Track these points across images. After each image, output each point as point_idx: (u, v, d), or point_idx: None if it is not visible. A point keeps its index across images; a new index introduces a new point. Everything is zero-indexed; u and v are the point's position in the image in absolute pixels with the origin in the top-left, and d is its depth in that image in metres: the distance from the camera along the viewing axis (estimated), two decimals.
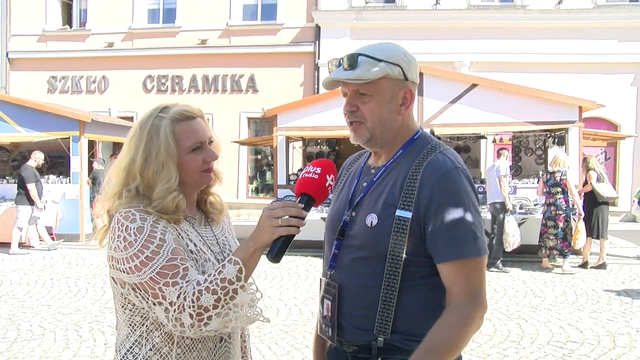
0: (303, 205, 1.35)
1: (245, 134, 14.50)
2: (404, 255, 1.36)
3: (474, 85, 8.94)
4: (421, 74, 8.97)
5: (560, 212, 7.46)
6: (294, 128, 9.54)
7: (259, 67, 14.32)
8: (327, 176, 1.39)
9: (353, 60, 1.41)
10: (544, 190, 7.65)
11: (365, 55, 1.41)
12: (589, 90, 12.02)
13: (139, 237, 1.34)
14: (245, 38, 14.53)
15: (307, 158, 11.43)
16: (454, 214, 1.34)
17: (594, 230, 7.66)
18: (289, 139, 10.08)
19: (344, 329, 1.45)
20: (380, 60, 1.40)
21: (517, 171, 10.54)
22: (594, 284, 6.76)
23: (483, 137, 11.09)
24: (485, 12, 13.69)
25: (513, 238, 7.47)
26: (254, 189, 14.26)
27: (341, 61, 1.43)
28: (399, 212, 1.36)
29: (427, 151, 1.43)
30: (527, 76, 12.29)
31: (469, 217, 1.35)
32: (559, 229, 7.46)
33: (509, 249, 7.55)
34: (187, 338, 1.40)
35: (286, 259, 8.17)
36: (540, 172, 8.95)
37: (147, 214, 1.38)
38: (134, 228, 1.35)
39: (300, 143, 11.48)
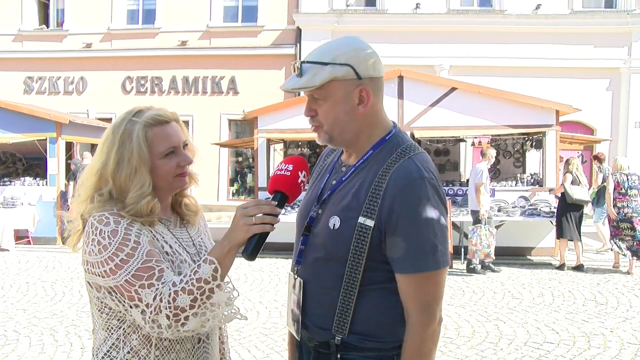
0: (276, 203, 1.36)
1: (225, 135, 14.43)
2: (364, 262, 1.37)
3: (453, 89, 9.04)
4: (401, 77, 9.05)
5: (636, 214, 7.58)
6: (275, 130, 9.53)
7: (239, 69, 14.27)
8: (299, 173, 1.39)
9: (300, 68, 1.39)
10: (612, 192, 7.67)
11: (311, 61, 1.38)
12: (565, 94, 12.25)
13: (113, 240, 1.33)
14: (226, 40, 14.46)
15: (289, 156, 11.43)
16: (415, 225, 1.34)
17: (565, 231, 7.77)
18: (269, 141, 10.05)
19: (306, 325, 1.47)
20: (326, 64, 1.37)
21: (496, 174, 10.67)
22: (571, 285, 6.88)
23: (462, 140, 11.21)
24: (465, 17, 13.86)
25: (475, 247, 7.51)
26: (234, 191, 14.20)
27: (294, 67, 1.42)
28: (361, 220, 1.36)
29: (397, 155, 1.41)
30: (506, 80, 12.47)
31: (429, 229, 1.34)
32: (636, 231, 7.55)
33: (474, 259, 7.56)
34: (165, 340, 1.39)
35: (266, 261, 8.15)
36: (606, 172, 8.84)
37: (121, 217, 1.37)
38: (107, 231, 1.34)
39: (281, 145, 11.46)
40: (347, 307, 1.39)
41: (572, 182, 7.81)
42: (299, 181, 1.40)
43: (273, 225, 1.33)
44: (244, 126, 14.50)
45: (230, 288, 1.35)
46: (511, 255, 8.62)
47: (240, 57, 14.27)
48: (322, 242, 1.43)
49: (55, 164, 9.92)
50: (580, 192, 7.73)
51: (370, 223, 1.35)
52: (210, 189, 14.06)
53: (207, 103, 14.43)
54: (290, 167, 1.40)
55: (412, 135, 9.05)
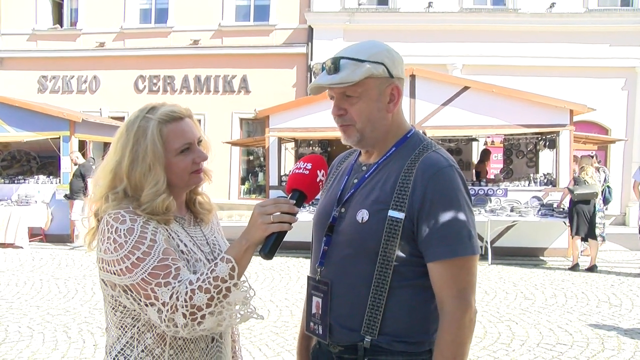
0: (295, 201, 1.35)
1: (237, 134, 14.46)
2: (396, 256, 1.36)
3: (465, 88, 8.98)
4: (413, 76, 9.01)
5: None
6: (286, 129, 9.53)
7: (251, 68, 14.29)
8: (318, 172, 1.39)
9: (336, 64, 1.40)
10: None
11: (348, 57, 1.40)
12: (580, 93, 12.11)
13: (129, 239, 1.33)
14: (238, 39, 14.49)
15: (299, 159, 11.44)
16: (448, 212, 1.34)
17: (578, 228, 7.69)
18: (281, 140, 10.07)
19: (331, 328, 1.44)
20: (363, 61, 1.39)
21: (509, 174, 10.59)
22: (584, 286, 6.80)
23: (474, 139, 11.14)
24: (478, 15, 13.76)
25: None
26: (245, 190, 14.21)
27: (324, 65, 1.42)
28: (391, 213, 1.36)
29: (420, 150, 1.43)
30: (519, 79, 12.37)
31: (463, 215, 1.35)
32: None
33: None
34: (179, 339, 1.39)
35: (277, 260, 8.16)
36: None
37: (137, 216, 1.37)
38: (124, 229, 1.34)
39: (292, 144, 11.46)
40: (378, 304, 1.36)
41: (576, 183, 7.78)
42: (318, 180, 1.39)
43: (291, 224, 1.32)
44: (256, 125, 14.52)
45: (246, 287, 1.35)
46: (524, 255, 8.56)
47: (252, 56, 14.30)
48: (350, 238, 1.41)
49: (69, 162, 10.01)
50: (582, 189, 7.67)
51: (400, 215, 1.35)
52: (221, 188, 14.11)
53: (218, 102, 14.47)
54: (309, 166, 1.39)
55: (424, 134, 9.01)
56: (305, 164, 1.40)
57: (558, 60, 13.30)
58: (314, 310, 1.48)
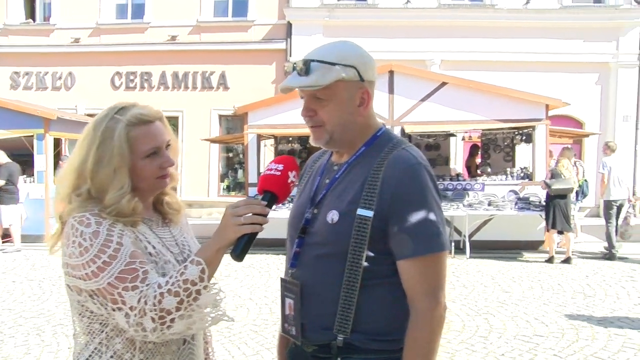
0: (266, 203, 1.34)
1: (216, 131, 14.36)
2: (366, 254, 1.36)
3: (443, 84, 9.05)
4: (392, 72, 9.04)
5: None
6: (265, 126, 9.50)
7: (229, 64, 14.18)
8: (289, 173, 1.38)
9: (307, 67, 1.38)
10: None
11: (318, 60, 1.39)
12: (555, 88, 12.27)
13: (95, 242, 1.30)
14: (216, 35, 14.37)
15: (279, 156, 11.41)
16: (418, 209, 1.35)
17: (554, 221, 7.83)
18: (260, 137, 10.02)
19: (305, 328, 1.44)
20: (334, 64, 1.38)
21: (487, 168, 10.70)
22: (560, 278, 6.92)
23: (452, 135, 11.23)
24: (456, 11, 13.85)
25: None
26: (225, 187, 14.14)
27: (295, 66, 1.41)
28: (360, 211, 1.36)
29: (389, 148, 1.43)
30: (496, 74, 12.49)
31: (431, 212, 1.36)
32: None
33: None
34: (149, 342, 1.36)
35: (257, 257, 8.13)
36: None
37: (103, 218, 1.34)
38: (89, 233, 1.31)
39: (271, 141, 11.42)
40: (349, 303, 1.36)
41: (553, 177, 7.90)
42: (289, 181, 1.38)
43: (262, 225, 1.31)
44: (235, 122, 14.42)
45: (217, 289, 1.33)
46: (502, 249, 8.67)
47: (231, 52, 14.19)
48: (322, 239, 1.42)
49: (43, 160, 9.83)
50: (559, 183, 7.80)
51: (369, 214, 1.35)
52: (200, 185, 14.01)
53: (197, 98, 14.34)
54: (281, 167, 1.38)
55: (403, 130, 9.06)
56: (277, 165, 1.39)
57: (534, 56, 13.47)
58: (287, 312, 1.48)
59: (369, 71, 1.43)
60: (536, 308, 5.54)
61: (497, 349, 4.37)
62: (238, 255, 1.31)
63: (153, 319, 1.25)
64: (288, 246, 1.55)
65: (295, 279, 1.45)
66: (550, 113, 9.33)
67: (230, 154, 14.90)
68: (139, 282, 1.28)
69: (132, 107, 1.44)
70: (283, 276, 1.53)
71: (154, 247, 1.42)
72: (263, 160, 10.55)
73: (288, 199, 1.43)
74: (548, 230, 8.07)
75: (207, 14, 14.53)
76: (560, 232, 8.07)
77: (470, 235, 8.51)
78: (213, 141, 13.12)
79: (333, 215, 1.39)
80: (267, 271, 7.42)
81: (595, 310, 5.43)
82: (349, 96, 1.41)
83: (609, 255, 8.25)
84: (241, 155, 13.55)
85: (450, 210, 8.39)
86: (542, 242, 8.75)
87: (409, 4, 13.81)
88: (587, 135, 12.52)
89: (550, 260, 7.91)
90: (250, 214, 1.29)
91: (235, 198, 12.25)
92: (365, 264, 1.36)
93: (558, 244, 8.27)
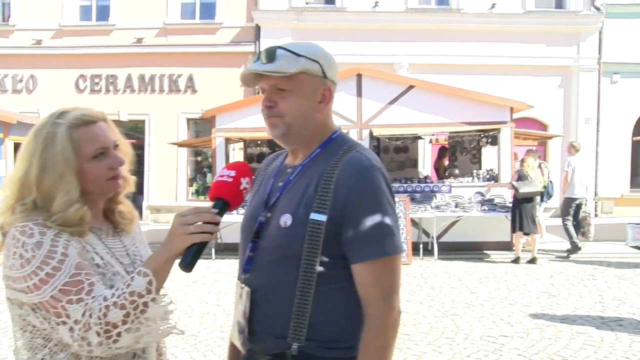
0: (217, 211, 1.31)
1: (184, 135, 14.17)
2: (320, 259, 1.34)
3: (411, 87, 9.13)
4: (359, 75, 9.09)
5: None
6: (234, 129, 9.41)
7: (197, 66, 14.03)
8: (242, 179, 1.35)
9: (272, 54, 1.38)
10: None
11: (285, 49, 1.39)
12: (520, 91, 12.55)
13: (37, 253, 1.25)
14: (183, 37, 14.20)
15: (248, 159, 11.31)
16: (371, 212, 1.33)
17: (520, 224, 7.98)
18: (228, 141, 9.93)
19: (258, 337, 1.40)
20: (300, 56, 1.38)
21: (453, 170, 10.85)
22: (525, 278, 7.05)
23: (420, 137, 11.34)
24: (423, 15, 14.02)
25: None
26: (194, 191, 13.96)
27: (260, 56, 1.40)
28: (313, 216, 1.34)
29: (344, 151, 1.42)
30: (463, 78, 12.68)
31: (385, 215, 1.35)
32: None
33: None
34: (96, 358, 1.31)
35: (225, 262, 8.03)
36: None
37: (47, 228, 1.28)
38: (31, 244, 1.25)
39: (240, 144, 11.33)
40: (303, 310, 1.33)
41: (520, 179, 8.04)
42: (242, 188, 1.35)
43: (213, 234, 1.28)
44: (204, 125, 14.26)
45: (166, 301, 1.30)
46: (469, 250, 8.79)
47: (198, 55, 14.04)
48: (275, 244, 1.39)
49: (3, 166, 9.51)
50: (526, 186, 7.95)
51: (322, 218, 1.33)
52: (168, 190, 13.80)
53: (164, 102, 14.13)
54: (233, 173, 1.35)
55: (371, 133, 9.11)
56: (229, 171, 1.36)
57: (499, 59, 13.74)
58: (239, 319, 1.44)
59: (332, 70, 1.45)
60: (502, 308, 5.63)
61: (464, 350, 4.41)
62: (187, 266, 1.27)
63: (98, 333, 1.21)
64: (241, 251, 1.52)
65: (248, 285, 1.42)
66: (515, 116, 9.52)
67: (199, 158, 14.73)
68: (84, 295, 1.23)
69: (73, 109, 1.40)
70: (236, 282, 1.50)
71: (102, 258, 1.38)
72: None
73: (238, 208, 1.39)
74: (514, 232, 8.21)
75: (174, 16, 14.34)
76: (526, 234, 8.22)
77: (438, 237, 8.60)
78: (180, 145, 12.94)
79: (286, 219, 1.37)
80: (235, 276, 7.29)
81: (558, 310, 5.55)
82: (311, 91, 1.41)
83: (572, 248, 8.51)
84: (210, 159, 13.41)
85: (418, 212, 8.47)
86: (508, 243, 8.89)
87: (377, 8, 13.92)
88: (550, 138, 12.83)
89: (516, 260, 8.05)
90: (200, 223, 1.26)
91: (204, 202, 12.10)
92: (320, 268, 1.34)
93: (524, 243, 8.43)
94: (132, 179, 1.52)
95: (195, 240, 1.26)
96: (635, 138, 13.81)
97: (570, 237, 8.64)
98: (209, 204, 1.35)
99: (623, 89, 14.17)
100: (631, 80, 14.12)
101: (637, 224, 7.76)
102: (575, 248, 8.46)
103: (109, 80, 14.26)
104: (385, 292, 1.33)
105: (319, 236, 1.33)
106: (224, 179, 1.35)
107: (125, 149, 1.47)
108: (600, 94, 14.20)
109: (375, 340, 1.32)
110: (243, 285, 1.44)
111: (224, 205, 1.33)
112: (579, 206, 8.80)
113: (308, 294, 1.34)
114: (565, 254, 8.56)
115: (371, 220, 1.32)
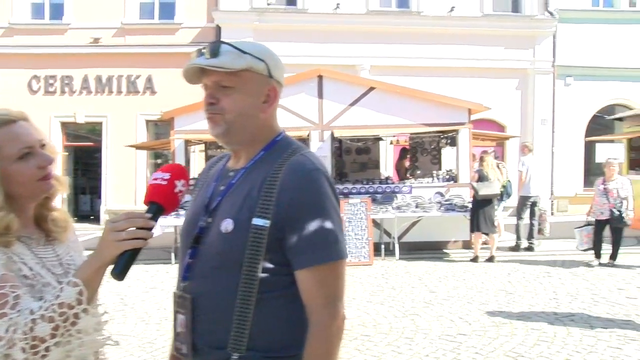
0: (151, 215, 1.26)
1: (143, 137, 13.89)
2: (262, 265, 1.30)
3: (371, 89, 9.19)
4: (320, 77, 9.09)
5: None
6: (193, 131, 9.26)
7: (156, 67, 13.75)
8: (177, 182, 1.30)
9: (216, 49, 1.34)
10: None
11: (230, 45, 1.36)
12: (478, 93, 12.82)
13: None
14: (142, 37, 13.92)
15: (167, 164, 11.17)
16: (314, 217, 1.31)
17: (479, 225, 8.14)
18: (188, 143, 9.77)
19: (197, 347, 1.35)
20: (246, 53, 1.35)
21: (415, 171, 10.98)
22: (483, 277, 7.18)
23: (380, 139, 11.43)
24: (384, 17, 14.17)
25: None
26: None
27: (203, 51, 1.36)
28: (255, 221, 1.30)
29: (288, 154, 1.39)
30: (423, 80, 12.88)
31: (329, 220, 1.32)
32: None
33: None
34: None
35: None
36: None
37: None
38: None
39: (201, 146, 11.17)
40: (244, 319, 1.29)
41: (481, 179, 8.20)
42: (177, 191, 1.30)
43: (146, 240, 1.23)
44: (164, 127, 13.99)
45: (99, 312, 1.24)
46: (429, 249, 8.91)
47: (157, 56, 13.77)
48: (216, 250, 1.33)
49: None
50: (486, 188, 8.11)
51: (265, 223, 1.29)
52: (127, 193, 13.48)
53: (122, 103, 13.82)
54: (167, 176, 1.30)
55: (333, 135, 9.12)
56: (163, 174, 1.31)
57: (458, 62, 14.02)
58: (179, 329, 1.38)
59: (278, 70, 1.41)
60: (460, 307, 5.71)
61: (422, 350, 4.45)
62: (118, 274, 1.21)
63: (24, 349, 1.14)
64: (180, 257, 1.46)
65: (187, 293, 1.36)
66: (473, 117, 9.70)
67: (159, 160, 14.45)
68: (8, 309, 1.16)
69: None
70: (174, 290, 1.43)
71: (30, 269, 1.30)
72: (193, 166, 10.30)
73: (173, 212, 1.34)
74: (473, 232, 8.35)
75: (132, 16, 14.04)
76: (485, 233, 8.38)
77: (400, 237, 8.68)
78: (138, 147, 12.67)
79: (227, 225, 1.32)
80: None
81: (515, 307, 5.67)
82: (256, 89, 1.38)
83: (515, 246, 9.07)
84: (170, 162, 13.18)
85: (379, 213, 8.53)
86: (467, 242, 9.05)
87: (339, 10, 13.98)
88: (507, 138, 13.14)
89: (475, 259, 8.20)
90: (134, 228, 1.21)
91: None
92: (262, 275, 1.30)
93: (483, 241, 8.59)
94: (65, 180, 1.46)
95: (127, 247, 1.20)
96: (588, 138, 14.28)
97: (517, 236, 9.03)
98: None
99: (576, 91, 14.67)
100: (583, 83, 14.63)
101: (582, 227, 8.00)
102: (517, 247, 9.00)
103: (65, 81, 13.85)
104: (329, 299, 1.31)
105: (262, 242, 1.29)
106: (158, 181, 1.30)
107: (52, 150, 1.40)
108: (555, 96, 14.67)
109: (319, 348, 1.29)
110: (182, 294, 1.38)
111: (158, 209, 1.28)
112: (534, 204, 9.06)
113: (249, 302, 1.29)
114: (517, 251, 8.91)
115: (315, 226, 1.30)
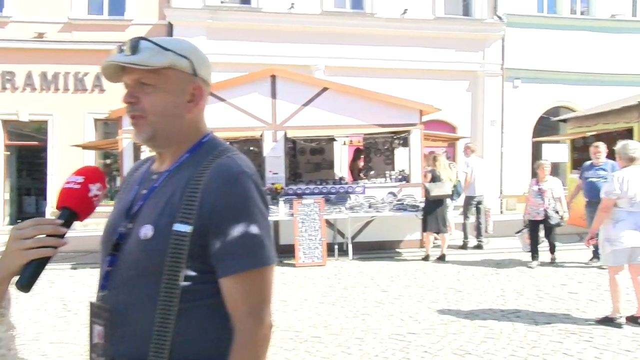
0: (62, 222, 1.18)
1: (91, 136, 13.42)
2: (184, 273, 1.24)
3: (325, 89, 9.19)
4: (274, 77, 9.02)
5: None
6: None
7: None
8: (92, 186, 1.23)
9: (135, 45, 1.28)
10: None
11: (150, 41, 1.30)
12: (430, 95, 13.06)
13: None
14: (90, 33, 13.43)
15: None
16: (240, 222, 1.25)
17: (430, 225, 8.27)
18: (137, 143, 9.48)
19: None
20: (167, 50, 1.30)
21: (369, 171, 11.06)
22: (434, 275, 7.30)
23: (334, 139, 11.46)
24: (338, 18, 14.21)
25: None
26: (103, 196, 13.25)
27: (123, 47, 1.29)
28: (176, 227, 1.24)
29: (214, 156, 1.33)
30: (376, 81, 13.01)
31: (255, 225, 1.27)
32: None
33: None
34: None
35: None
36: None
37: None
38: None
39: None
40: (165, 330, 1.22)
41: (433, 179, 8.33)
42: (91, 195, 1.23)
43: (56, 248, 1.15)
44: (114, 126, 13.55)
45: (3, 328, 1.15)
46: (382, 249, 8.98)
47: (106, 52, 12.62)
48: (134, 258, 1.26)
49: None
50: (438, 189, 8.25)
51: (187, 229, 1.23)
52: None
53: (69, 101, 13.31)
54: (80, 179, 1.23)
55: (286, 135, 9.07)
56: (77, 177, 1.24)
57: (410, 63, 14.23)
58: (95, 340, 1.30)
59: (204, 68, 1.37)
60: (411, 306, 5.77)
61: (372, 350, 4.46)
62: (23, 286, 1.13)
63: None
64: (101, 263, 1.38)
65: (105, 303, 1.29)
66: (426, 118, 9.85)
67: (108, 161, 14.02)
68: None
69: None
70: (92, 299, 1.36)
71: None
72: None
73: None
74: (425, 231, 8.48)
75: (80, 10, 13.55)
76: (436, 233, 8.52)
77: (353, 237, 8.72)
78: (86, 147, 12.22)
79: (147, 231, 1.25)
80: None
81: (463, 305, 5.77)
82: (179, 88, 1.33)
83: (463, 245, 9.31)
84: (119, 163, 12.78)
85: (333, 213, 8.54)
86: (419, 241, 9.18)
87: (293, 9, 13.92)
88: (458, 139, 13.42)
89: (426, 258, 8.33)
90: (43, 236, 1.13)
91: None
92: (184, 284, 1.24)
93: (434, 239, 8.73)
94: None
95: (32, 256, 1.12)
96: (535, 139, 14.77)
97: (465, 235, 9.30)
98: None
99: (523, 93, 15.16)
100: (530, 85, 15.13)
101: (520, 231, 8.17)
102: (465, 245, 9.30)
103: (6, 77, 13.22)
104: (255, 307, 1.26)
105: (183, 249, 1.23)
106: (70, 185, 1.23)
107: None
108: (504, 97, 15.10)
109: (245, 358, 1.24)
110: (100, 304, 1.31)
111: (70, 215, 1.21)
112: (479, 203, 9.28)
113: (170, 312, 1.23)
114: (464, 250, 9.14)
115: (239, 231, 1.25)
